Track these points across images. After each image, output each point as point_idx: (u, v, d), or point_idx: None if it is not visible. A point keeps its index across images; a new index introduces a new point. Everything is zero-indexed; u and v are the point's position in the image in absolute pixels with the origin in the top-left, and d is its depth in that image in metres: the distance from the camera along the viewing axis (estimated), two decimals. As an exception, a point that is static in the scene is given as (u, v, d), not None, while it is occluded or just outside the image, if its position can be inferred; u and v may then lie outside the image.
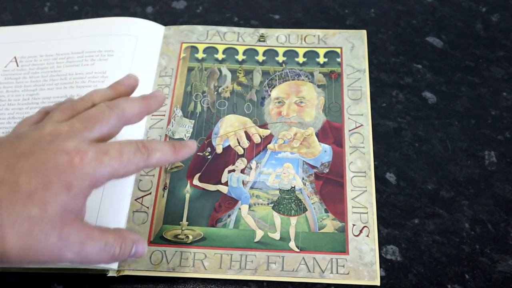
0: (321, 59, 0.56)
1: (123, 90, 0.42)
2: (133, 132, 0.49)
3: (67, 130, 0.36)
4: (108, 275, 0.44)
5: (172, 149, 0.39)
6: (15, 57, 0.57)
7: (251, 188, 0.48)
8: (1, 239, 0.32)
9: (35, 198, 0.33)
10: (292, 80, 0.55)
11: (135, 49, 0.56)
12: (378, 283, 0.43)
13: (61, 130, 0.36)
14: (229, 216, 0.47)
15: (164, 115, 0.52)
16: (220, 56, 0.57)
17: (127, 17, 0.59)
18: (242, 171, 0.49)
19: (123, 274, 0.44)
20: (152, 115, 0.52)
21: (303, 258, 0.44)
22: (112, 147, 0.36)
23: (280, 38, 0.58)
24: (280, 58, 0.56)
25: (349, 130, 0.51)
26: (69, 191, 0.34)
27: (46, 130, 0.36)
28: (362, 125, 0.51)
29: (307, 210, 0.47)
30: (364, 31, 0.58)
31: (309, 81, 0.55)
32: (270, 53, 0.57)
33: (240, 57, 0.57)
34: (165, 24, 0.59)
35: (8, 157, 0.34)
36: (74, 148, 0.35)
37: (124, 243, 0.37)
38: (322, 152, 0.50)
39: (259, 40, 0.58)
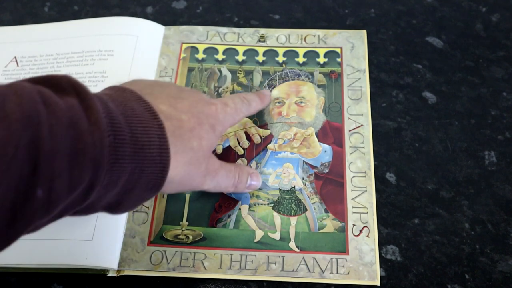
0: (321, 59, 0.56)
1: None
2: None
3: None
4: (108, 275, 0.44)
5: (259, 98, 0.50)
6: (15, 57, 0.57)
7: (251, 188, 0.48)
8: (174, 165, 0.36)
9: (195, 133, 0.39)
10: (292, 80, 0.55)
11: (135, 49, 0.56)
12: (378, 283, 0.43)
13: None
14: (229, 216, 0.47)
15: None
16: (220, 56, 0.57)
17: (127, 17, 0.59)
18: (242, 171, 0.49)
19: (123, 274, 0.44)
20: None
21: (303, 258, 0.44)
22: (228, 101, 0.45)
23: (280, 38, 0.58)
24: (280, 58, 0.56)
25: (349, 130, 0.51)
26: (214, 131, 0.42)
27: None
28: (362, 125, 0.51)
29: (307, 210, 0.47)
30: (364, 31, 0.58)
31: (309, 81, 0.55)
32: (270, 53, 0.57)
33: (240, 57, 0.57)
34: (165, 24, 0.59)
35: (167, 97, 0.39)
36: (209, 101, 0.43)
37: (241, 172, 0.46)
38: (322, 152, 0.50)
39: (259, 41, 0.58)
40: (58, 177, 0.28)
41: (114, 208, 0.36)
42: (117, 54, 0.55)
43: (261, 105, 0.50)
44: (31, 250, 0.44)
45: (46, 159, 0.27)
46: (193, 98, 0.42)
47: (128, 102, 0.35)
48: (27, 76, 0.54)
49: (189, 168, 0.39)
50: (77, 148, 0.29)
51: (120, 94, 0.36)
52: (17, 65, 0.56)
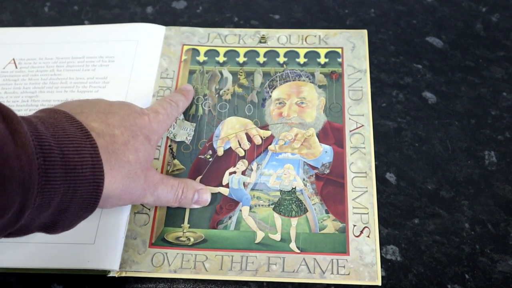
0: (322, 60, 0.56)
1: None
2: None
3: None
4: (109, 275, 0.44)
5: (184, 96, 0.51)
6: (13, 59, 0.56)
7: (252, 189, 0.48)
8: (111, 181, 0.37)
9: (129, 146, 0.39)
10: (293, 80, 0.55)
11: (136, 54, 0.56)
12: (379, 283, 0.43)
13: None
14: (230, 218, 0.47)
15: (165, 117, 0.53)
16: (221, 58, 0.57)
17: (128, 24, 0.59)
18: (243, 173, 0.49)
19: (124, 275, 0.44)
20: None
21: (304, 259, 0.45)
22: (158, 108, 0.46)
23: (281, 39, 0.58)
24: (281, 59, 0.56)
25: (350, 131, 0.51)
26: (150, 141, 0.42)
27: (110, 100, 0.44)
28: (363, 125, 0.51)
29: (307, 211, 0.47)
30: (365, 31, 0.58)
31: (310, 82, 0.55)
32: (271, 54, 0.57)
33: (241, 59, 0.57)
34: (165, 24, 0.59)
35: (97, 114, 0.39)
36: (140, 111, 0.44)
37: (186, 187, 0.45)
38: (323, 152, 0.50)
39: (260, 42, 0.58)
40: None
41: (49, 228, 0.36)
42: (118, 60, 0.55)
43: (187, 102, 0.52)
44: (33, 253, 0.44)
45: None
46: (124, 111, 0.42)
47: (59, 123, 0.35)
48: (26, 78, 0.55)
49: (128, 182, 0.39)
50: (3, 173, 0.29)
51: (51, 115, 0.36)
52: (16, 67, 0.56)
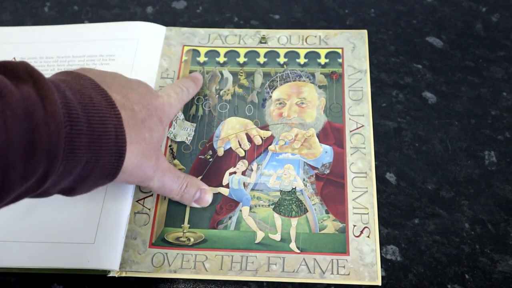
0: (322, 60, 0.56)
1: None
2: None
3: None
4: (109, 275, 0.44)
5: (194, 83, 0.52)
6: (14, 58, 0.57)
7: (252, 189, 0.49)
8: (129, 155, 0.37)
9: (146, 124, 0.39)
10: (293, 81, 0.55)
11: (136, 52, 0.56)
12: (379, 283, 0.43)
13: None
14: (230, 218, 0.47)
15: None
16: (221, 59, 0.57)
17: (128, 22, 0.59)
18: (243, 173, 0.49)
19: (124, 275, 0.44)
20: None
21: (304, 259, 0.45)
22: (170, 92, 0.46)
23: (281, 39, 0.58)
24: (281, 59, 0.56)
25: (350, 131, 0.51)
26: (162, 123, 0.42)
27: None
28: (363, 125, 0.51)
29: (307, 211, 0.47)
30: (365, 31, 0.58)
31: (310, 82, 0.55)
32: (271, 55, 0.57)
33: (241, 59, 0.57)
34: (165, 24, 0.59)
35: (118, 87, 0.39)
36: (156, 91, 0.44)
37: (190, 183, 0.45)
38: (323, 153, 0.50)
39: (261, 42, 0.58)
40: (12, 168, 0.28)
41: (67, 192, 0.36)
42: (118, 59, 0.55)
43: (196, 89, 0.52)
44: (33, 253, 0.44)
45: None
46: (142, 89, 0.42)
47: (85, 90, 0.35)
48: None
49: (141, 160, 0.39)
50: (33, 140, 0.29)
51: (77, 81, 0.36)
52: (17, 66, 0.56)
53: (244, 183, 0.49)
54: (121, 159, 0.36)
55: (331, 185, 0.48)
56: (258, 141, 0.51)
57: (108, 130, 0.34)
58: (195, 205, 0.47)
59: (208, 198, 0.47)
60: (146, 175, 0.41)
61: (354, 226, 0.46)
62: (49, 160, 0.30)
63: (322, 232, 0.46)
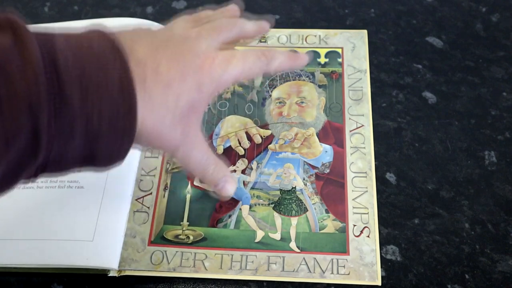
0: (322, 59, 0.56)
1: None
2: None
3: (196, 34, 0.37)
4: (109, 275, 0.44)
5: (289, 58, 0.41)
6: None
7: (252, 188, 0.48)
8: (140, 121, 0.31)
9: (172, 89, 0.33)
10: (293, 80, 0.55)
11: None
12: (379, 283, 0.43)
13: (189, 33, 0.37)
14: (229, 216, 0.47)
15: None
16: (221, 57, 0.57)
17: (127, 18, 0.59)
18: (243, 172, 0.49)
19: (124, 274, 0.44)
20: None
21: (304, 258, 0.45)
22: (236, 54, 0.37)
23: (281, 38, 0.58)
24: (281, 59, 0.56)
25: (350, 131, 0.51)
26: (199, 90, 0.35)
27: (176, 31, 0.38)
28: (363, 125, 0.51)
29: (307, 210, 0.47)
30: (365, 31, 0.58)
31: (310, 81, 0.55)
32: (271, 54, 0.57)
33: (241, 57, 0.57)
34: (165, 24, 0.59)
35: (149, 42, 0.34)
36: (204, 52, 0.36)
37: (218, 168, 0.38)
38: (323, 152, 0.50)
39: (260, 41, 0.58)
40: None
41: (90, 161, 0.32)
42: None
43: (289, 65, 0.41)
44: (31, 251, 0.44)
45: None
46: (183, 47, 0.35)
47: (86, 40, 0.31)
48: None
49: (161, 128, 0.33)
50: (8, 94, 0.26)
51: (85, 34, 0.32)
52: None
53: (243, 182, 0.49)
54: (132, 112, 0.31)
55: (331, 184, 0.48)
56: (258, 140, 0.51)
57: (110, 78, 0.30)
58: (213, 190, 0.41)
59: (230, 189, 0.40)
60: (167, 145, 0.35)
61: (354, 225, 0.46)
62: (33, 115, 0.27)
63: (322, 231, 0.46)
